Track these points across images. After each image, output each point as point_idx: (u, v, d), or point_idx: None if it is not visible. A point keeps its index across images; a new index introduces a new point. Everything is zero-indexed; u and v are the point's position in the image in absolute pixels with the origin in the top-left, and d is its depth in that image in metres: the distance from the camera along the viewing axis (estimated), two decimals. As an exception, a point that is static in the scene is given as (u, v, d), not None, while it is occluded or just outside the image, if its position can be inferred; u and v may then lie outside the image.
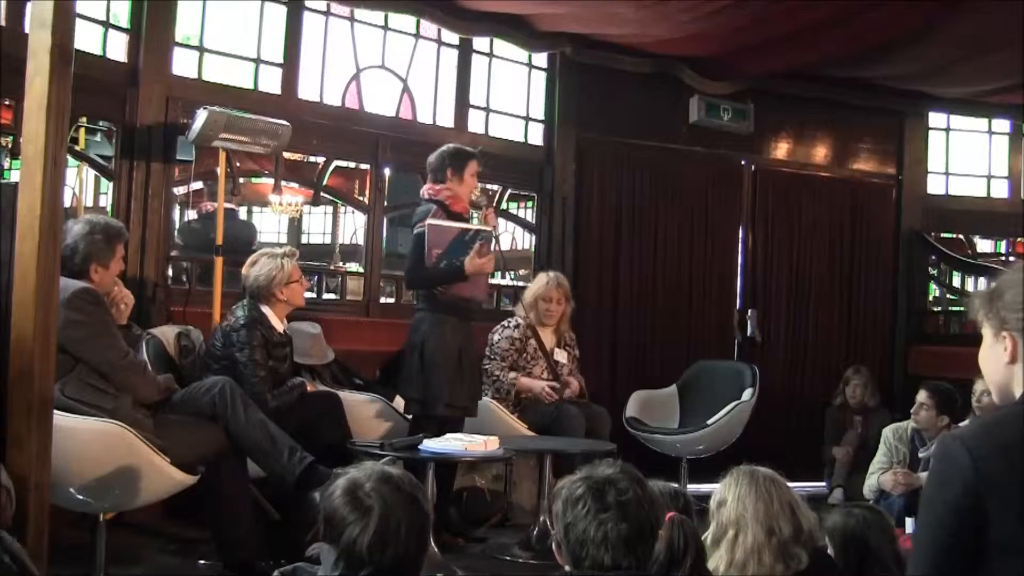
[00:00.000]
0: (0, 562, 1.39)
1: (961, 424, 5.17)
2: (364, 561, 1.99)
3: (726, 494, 2.48)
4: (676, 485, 2.80)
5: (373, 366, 5.77)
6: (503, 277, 6.65)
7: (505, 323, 5.77)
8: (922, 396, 5.26)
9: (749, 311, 7.36)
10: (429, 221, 4.76)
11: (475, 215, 5.06)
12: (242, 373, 4.35)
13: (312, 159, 6.82)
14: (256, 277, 4.57)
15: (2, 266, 3.02)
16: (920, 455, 5.28)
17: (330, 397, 4.74)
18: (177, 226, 5.83)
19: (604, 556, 2.01)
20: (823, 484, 6.74)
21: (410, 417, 4.92)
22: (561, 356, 5.79)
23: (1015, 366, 1.74)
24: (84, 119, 5.48)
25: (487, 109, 6.75)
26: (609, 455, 4.21)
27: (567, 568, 2.08)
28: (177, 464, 3.75)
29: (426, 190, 4.97)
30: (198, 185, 6.14)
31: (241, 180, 6.32)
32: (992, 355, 1.78)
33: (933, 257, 7.96)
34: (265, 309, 4.56)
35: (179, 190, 5.78)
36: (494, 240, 4.86)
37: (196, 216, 6.61)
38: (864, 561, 2.74)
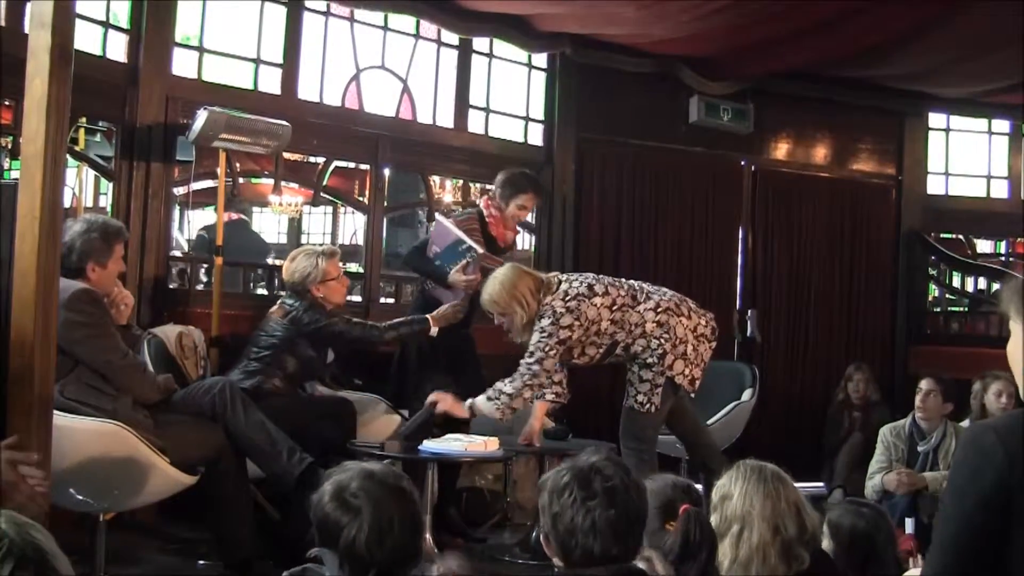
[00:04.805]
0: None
1: (963, 423, 5.19)
2: (366, 560, 2.01)
3: (732, 488, 2.44)
4: (688, 480, 2.79)
5: (372, 366, 5.75)
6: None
7: None
8: (927, 384, 5.30)
9: (749, 311, 7.34)
10: (437, 216, 4.90)
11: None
12: (345, 337, 4.68)
13: (312, 159, 6.81)
14: (292, 273, 4.71)
15: (1, 266, 3.00)
16: (919, 449, 5.31)
17: (342, 402, 4.75)
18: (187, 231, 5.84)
19: (594, 544, 1.99)
20: (822, 485, 6.73)
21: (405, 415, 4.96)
22: None
23: None
24: (84, 119, 5.48)
25: (487, 109, 6.74)
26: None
27: (556, 560, 2.07)
28: (177, 464, 3.75)
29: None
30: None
31: (241, 180, 6.30)
32: (1021, 350, 1.73)
33: (933, 257, 7.96)
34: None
35: (179, 190, 5.77)
36: (478, 264, 4.77)
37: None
38: (867, 562, 2.73)
